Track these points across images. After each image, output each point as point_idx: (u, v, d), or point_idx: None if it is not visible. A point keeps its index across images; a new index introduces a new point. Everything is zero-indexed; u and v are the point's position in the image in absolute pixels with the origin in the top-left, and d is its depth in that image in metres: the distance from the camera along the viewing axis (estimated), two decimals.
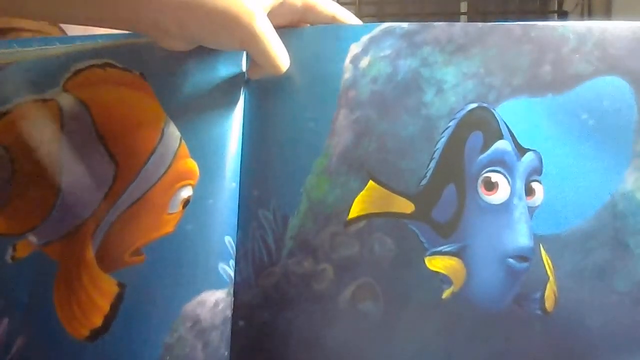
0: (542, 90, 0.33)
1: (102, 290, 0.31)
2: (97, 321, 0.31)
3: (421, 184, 0.32)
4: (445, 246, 0.32)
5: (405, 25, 0.34)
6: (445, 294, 0.32)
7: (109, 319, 0.31)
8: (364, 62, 0.34)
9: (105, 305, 0.31)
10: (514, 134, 0.32)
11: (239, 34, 0.30)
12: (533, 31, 0.33)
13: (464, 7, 1.31)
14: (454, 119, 0.33)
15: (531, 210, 0.32)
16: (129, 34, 0.34)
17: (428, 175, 0.32)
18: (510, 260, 0.32)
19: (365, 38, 0.34)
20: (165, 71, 0.34)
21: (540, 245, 0.32)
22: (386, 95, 0.33)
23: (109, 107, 0.34)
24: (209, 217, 0.32)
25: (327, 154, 0.33)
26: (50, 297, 0.32)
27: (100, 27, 0.32)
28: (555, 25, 0.33)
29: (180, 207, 0.32)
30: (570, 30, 0.33)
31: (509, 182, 0.32)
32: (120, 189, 0.32)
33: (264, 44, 0.31)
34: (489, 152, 0.32)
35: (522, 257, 0.32)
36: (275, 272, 0.32)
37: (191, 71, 0.34)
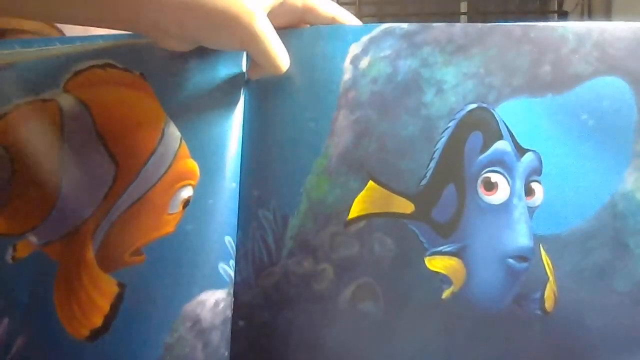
0: (542, 91, 0.33)
1: (102, 290, 0.31)
2: (97, 321, 0.31)
3: (421, 184, 0.32)
4: (445, 246, 0.32)
5: (405, 25, 0.34)
6: (445, 294, 0.32)
7: (109, 319, 0.31)
8: (364, 63, 0.34)
9: (105, 305, 0.31)
10: (514, 134, 0.32)
11: (239, 34, 0.30)
12: (533, 32, 0.33)
13: (464, 7, 1.31)
14: (453, 119, 0.33)
15: (531, 210, 0.32)
16: (129, 34, 0.34)
17: (428, 175, 0.32)
18: (510, 260, 0.32)
19: (365, 38, 0.34)
20: (165, 71, 0.34)
21: (540, 246, 0.32)
22: (386, 95, 0.33)
23: (109, 108, 0.34)
24: (209, 217, 0.32)
25: (327, 154, 0.33)
26: (50, 297, 0.32)
27: (100, 27, 0.32)
28: (554, 25, 0.33)
29: (181, 207, 0.32)
30: (570, 30, 0.33)
31: (508, 182, 0.32)
32: (121, 189, 0.32)
33: (264, 44, 0.31)
34: (488, 152, 0.32)
35: (522, 257, 0.32)
36: (275, 272, 0.32)
37: (191, 71, 0.34)
